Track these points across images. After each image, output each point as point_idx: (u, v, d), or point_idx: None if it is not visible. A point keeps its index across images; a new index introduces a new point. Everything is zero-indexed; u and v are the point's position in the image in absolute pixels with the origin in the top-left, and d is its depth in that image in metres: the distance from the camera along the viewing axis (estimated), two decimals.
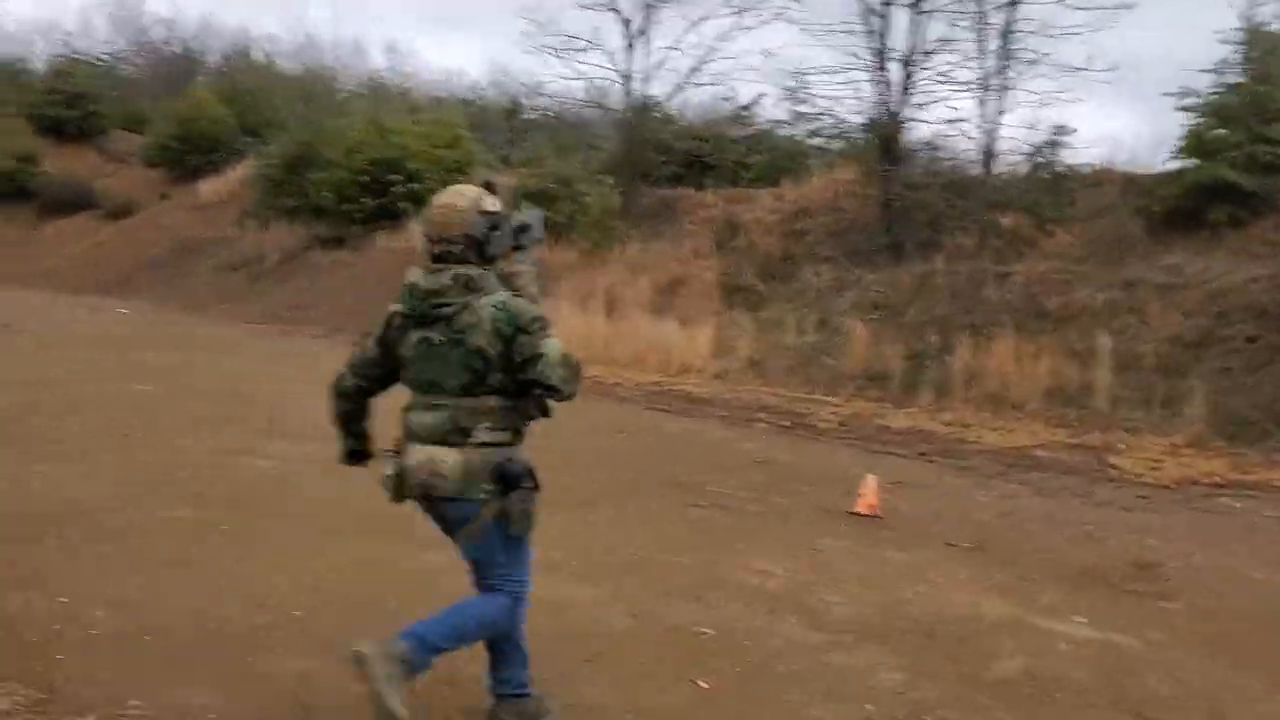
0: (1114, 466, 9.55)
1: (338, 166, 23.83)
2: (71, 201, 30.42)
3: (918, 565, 5.66)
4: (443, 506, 3.07)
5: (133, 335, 15.15)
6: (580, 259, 19.08)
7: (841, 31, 17.56)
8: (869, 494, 6.89)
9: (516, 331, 2.95)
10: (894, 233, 17.02)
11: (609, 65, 21.37)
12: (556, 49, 21.03)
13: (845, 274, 16.50)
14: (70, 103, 33.58)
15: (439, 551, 4.89)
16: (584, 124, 23.38)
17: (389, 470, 3.10)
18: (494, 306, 2.96)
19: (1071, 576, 5.82)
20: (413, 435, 3.07)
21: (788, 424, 11.13)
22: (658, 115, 22.93)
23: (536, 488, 3.06)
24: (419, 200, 23.67)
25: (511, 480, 2.99)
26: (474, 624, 3.11)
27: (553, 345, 2.98)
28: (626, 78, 21.27)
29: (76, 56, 37.42)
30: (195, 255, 26.31)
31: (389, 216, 23.26)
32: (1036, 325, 13.44)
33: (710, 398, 12.87)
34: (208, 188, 29.62)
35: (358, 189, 23.44)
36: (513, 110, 30.55)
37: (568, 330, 16.74)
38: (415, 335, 3.03)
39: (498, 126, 30.80)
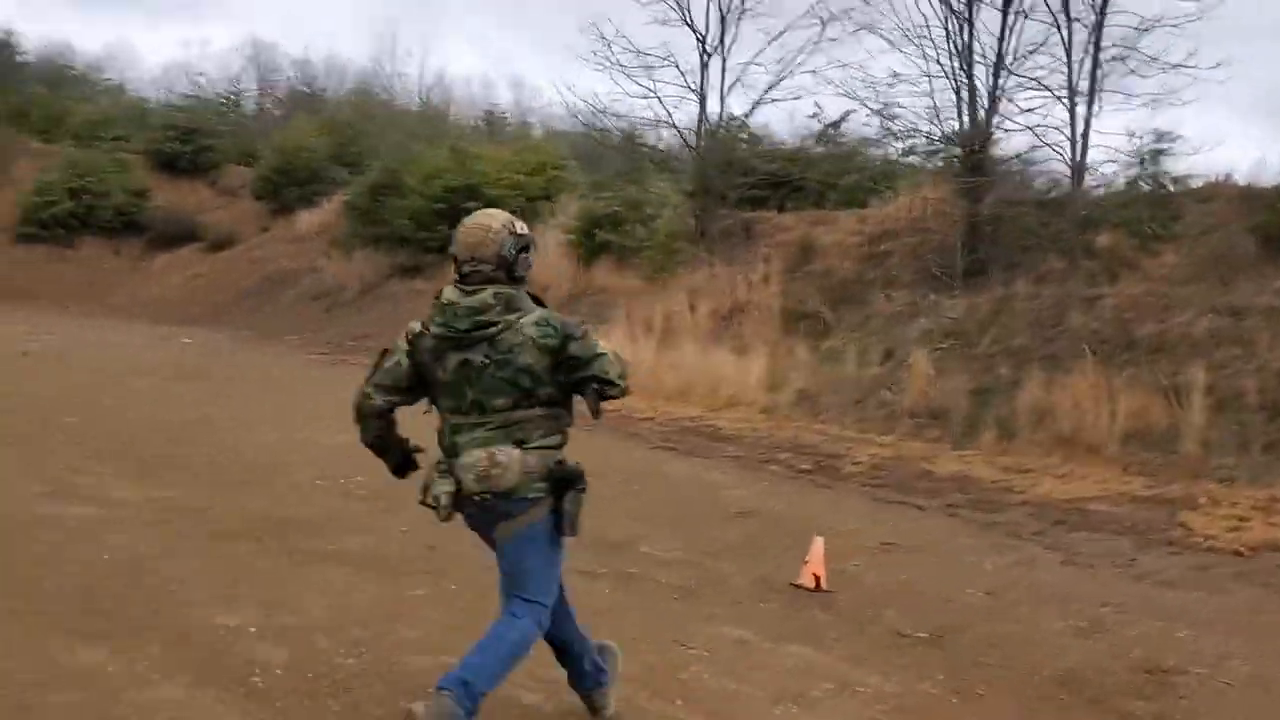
0: (1183, 525, 7.89)
1: (417, 194, 23.52)
2: (177, 235, 31.07)
3: (816, 670, 4.34)
4: (496, 504, 3.09)
5: (166, 364, 14.76)
6: (642, 285, 18.05)
7: (923, 38, 16.09)
8: (814, 561, 5.58)
9: (566, 340, 3.03)
10: (979, 253, 15.41)
11: (683, 83, 20.27)
12: (626, 66, 19.99)
13: (920, 300, 14.98)
14: (184, 138, 34.48)
15: (99, 647, 3.78)
16: (656, 144, 22.32)
17: (447, 486, 3.09)
18: (535, 324, 3.04)
19: (1040, 689, 4.43)
20: (458, 457, 3.11)
21: (808, 467, 9.78)
22: (738, 135, 21.74)
23: (584, 489, 3.17)
24: None
25: (567, 481, 3.12)
26: (508, 659, 3.13)
27: (605, 345, 3.15)
28: (701, 96, 20.15)
29: (191, 94, 38.62)
30: (283, 286, 26.38)
31: None
32: (1124, 356, 11.69)
33: (738, 435, 11.61)
34: (305, 219, 29.77)
35: (434, 217, 23.02)
36: (630, 140, 29.77)
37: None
38: (454, 358, 3.04)
39: (611, 157, 29.97)
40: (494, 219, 3.12)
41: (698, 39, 20.03)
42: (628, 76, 20.14)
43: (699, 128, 20.36)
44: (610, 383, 3.10)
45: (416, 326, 3.14)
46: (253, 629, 4.01)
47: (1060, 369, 11.69)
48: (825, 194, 21.33)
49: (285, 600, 4.40)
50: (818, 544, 5.65)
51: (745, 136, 22.76)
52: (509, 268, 3.08)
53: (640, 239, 19.01)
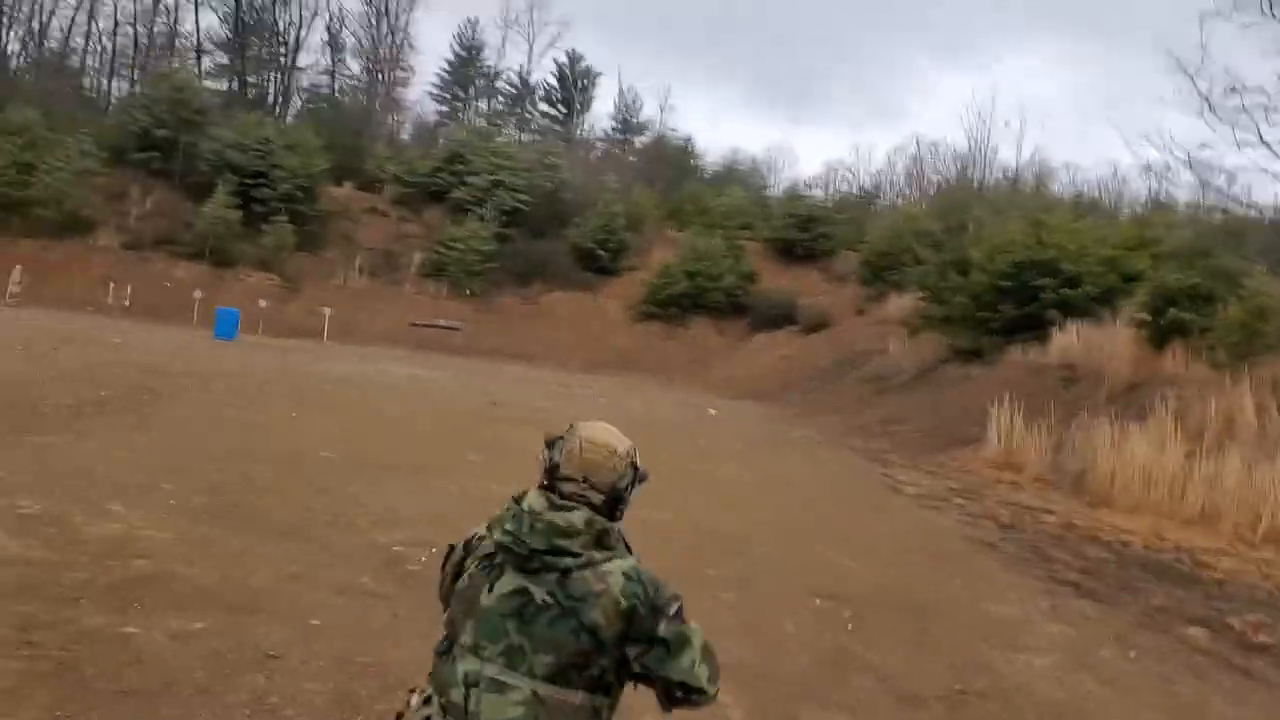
0: None
1: (981, 271, 21.18)
2: (777, 317, 31.83)
3: None
4: None
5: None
6: (1212, 375, 13.84)
7: None
8: None
9: (654, 611, 2.30)
10: None
11: None
12: (1224, 109, 15.89)
13: None
14: (802, 227, 35.53)
15: None
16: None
17: None
18: (624, 575, 2.32)
19: None
20: (467, 715, 2.25)
21: (1268, 641, 6.08)
22: None
23: None
24: (1071, 308, 19.84)
25: None
26: None
27: (698, 632, 2.34)
28: None
29: (818, 187, 39.90)
30: (851, 367, 25.48)
31: (1030, 327, 19.85)
32: None
33: (1224, 580, 7.95)
34: (894, 303, 28.82)
35: (996, 294, 20.52)
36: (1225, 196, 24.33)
37: (1126, 465, 11.97)
38: (511, 582, 2.33)
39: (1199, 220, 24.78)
40: (621, 443, 2.49)
41: None
42: (1223, 121, 16.02)
43: None
44: (699, 690, 2.28)
45: (481, 530, 2.45)
46: None
47: None
48: None
49: None
50: None
51: None
52: (615, 504, 2.44)
53: (1225, 320, 14.77)
